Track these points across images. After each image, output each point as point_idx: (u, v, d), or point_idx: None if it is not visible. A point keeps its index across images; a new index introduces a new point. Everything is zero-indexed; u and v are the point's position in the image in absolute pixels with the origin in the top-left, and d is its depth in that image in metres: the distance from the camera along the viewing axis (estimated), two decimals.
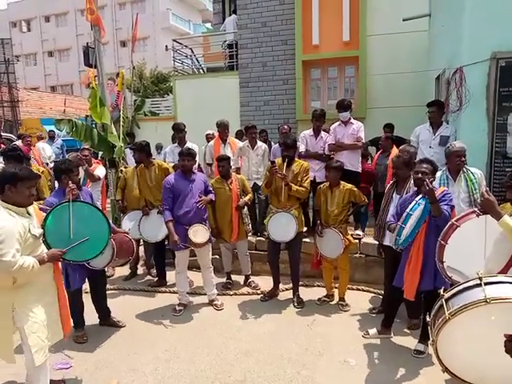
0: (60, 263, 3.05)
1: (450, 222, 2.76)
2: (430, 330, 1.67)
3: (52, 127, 10.19)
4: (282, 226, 4.42)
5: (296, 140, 4.67)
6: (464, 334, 1.58)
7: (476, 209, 2.65)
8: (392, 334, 3.83)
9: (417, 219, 3.25)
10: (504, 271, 2.58)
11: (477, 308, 1.52)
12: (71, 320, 3.20)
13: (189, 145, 6.16)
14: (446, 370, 1.67)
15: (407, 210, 3.26)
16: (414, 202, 3.27)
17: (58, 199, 3.46)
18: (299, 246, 4.66)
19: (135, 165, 5.42)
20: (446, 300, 1.67)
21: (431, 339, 1.65)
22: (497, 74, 4.53)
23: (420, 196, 3.29)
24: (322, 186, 4.60)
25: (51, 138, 10.76)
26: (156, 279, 5.33)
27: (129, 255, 4.10)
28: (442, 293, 1.72)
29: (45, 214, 3.02)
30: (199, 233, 4.29)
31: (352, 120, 5.47)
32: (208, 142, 6.51)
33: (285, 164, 4.35)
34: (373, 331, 3.85)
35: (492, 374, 1.57)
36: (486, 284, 1.59)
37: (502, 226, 2.33)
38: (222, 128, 6.02)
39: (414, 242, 3.38)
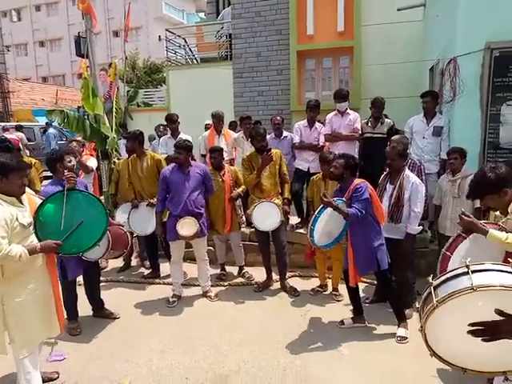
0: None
1: (441, 253, 2.70)
2: (419, 316, 1.71)
3: (43, 118, 10.11)
4: (266, 215, 4.45)
5: (265, 130, 4.69)
6: (452, 321, 1.62)
7: (459, 232, 2.63)
8: (366, 323, 3.91)
9: (341, 226, 3.68)
10: None
11: (464, 295, 1.56)
12: (65, 312, 3.19)
13: (182, 136, 6.12)
14: (434, 354, 1.72)
15: (315, 213, 3.52)
16: (320, 206, 3.53)
17: (54, 188, 3.40)
18: (284, 234, 4.70)
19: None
20: (435, 288, 1.70)
21: (420, 325, 1.69)
22: (491, 64, 4.54)
23: (319, 209, 3.53)
24: (314, 177, 4.61)
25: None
26: (149, 271, 5.32)
27: (123, 248, 4.10)
28: (430, 280, 1.75)
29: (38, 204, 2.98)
30: (186, 226, 4.27)
31: (349, 110, 5.45)
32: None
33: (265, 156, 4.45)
34: (348, 321, 3.92)
35: (480, 357, 1.61)
36: (473, 272, 1.62)
37: (490, 240, 2.36)
38: (217, 119, 5.99)
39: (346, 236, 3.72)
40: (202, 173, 4.46)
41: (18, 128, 12.27)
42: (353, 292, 3.92)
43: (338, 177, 3.65)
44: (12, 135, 11.10)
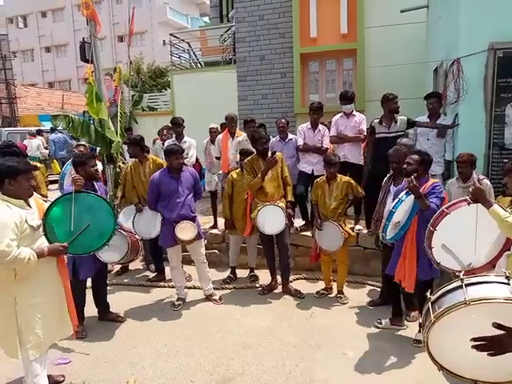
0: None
1: (440, 209, 2.78)
2: (422, 331, 1.72)
3: (49, 123, 10.20)
4: (271, 218, 4.44)
5: (266, 133, 4.69)
6: (454, 335, 1.64)
7: (467, 197, 2.65)
8: (405, 326, 3.84)
9: (407, 213, 3.33)
10: (495, 260, 2.60)
11: (458, 310, 1.58)
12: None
13: (186, 139, 6.16)
14: (441, 368, 1.72)
15: (390, 208, 3.34)
16: (397, 200, 3.33)
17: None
18: (288, 237, 4.69)
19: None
20: (432, 303, 1.73)
21: (422, 340, 1.70)
22: (494, 64, 4.51)
23: (404, 192, 3.33)
24: (319, 179, 4.60)
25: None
26: (155, 274, 5.34)
27: (136, 254, 4.27)
28: (428, 296, 1.78)
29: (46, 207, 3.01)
30: (186, 230, 4.27)
31: (354, 112, 5.44)
32: (211, 136, 6.47)
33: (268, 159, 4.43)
34: (385, 321, 3.86)
35: (482, 368, 1.61)
36: (466, 285, 1.64)
37: (491, 214, 2.35)
38: (230, 121, 6.02)
39: (406, 235, 3.44)
40: (193, 176, 4.48)
41: (39, 132, 12.58)
42: (394, 293, 3.82)
43: (411, 173, 3.32)
44: (35, 139, 11.37)
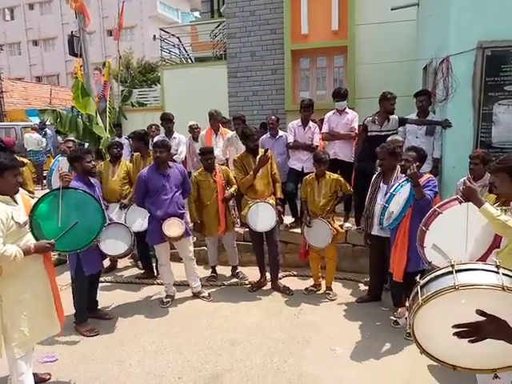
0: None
1: (432, 209, 2.82)
2: (409, 314, 1.73)
3: (37, 118, 10.05)
4: (262, 216, 4.44)
5: (256, 129, 4.70)
6: (439, 319, 1.65)
7: (458, 196, 2.68)
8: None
9: (403, 202, 3.42)
10: (484, 257, 2.62)
11: (446, 294, 1.59)
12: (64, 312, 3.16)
13: (176, 135, 6.12)
14: (423, 351, 1.74)
15: (391, 191, 3.46)
16: (397, 184, 3.47)
17: (78, 184, 3.52)
18: (277, 234, 4.69)
19: (128, 156, 5.34)
20: (421, 287, 1.74)
21: (408, 324, 1.71)
22: (483, 63, 4.55)
23: (404, 178, 3.47)
24: (308, 176, 4.60)
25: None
26: (143, 271, 5.30)
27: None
28: (418, 280, 1.78)
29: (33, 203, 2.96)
30: (173, 226, 4.23)
31: (347, 109, 5.44)
32: (192, 133, 6.38)
33: (258, 158, 4.45)
34: (402, 321, 3.77)
35: (469, 355, 1.64)
36: (457, 271, 1.65)
37: (482, 212, 2.37)
38: (214, 118, 5.96)
39: (399, 227, 3.56)
40: (182, 173, 4.43)
41: (42, 127, 12.26)
42: (399, 290, 3.80)
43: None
44: (35, 134, 11.15)
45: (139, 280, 5.12)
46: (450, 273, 1.66)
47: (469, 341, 1.46)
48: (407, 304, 1.85)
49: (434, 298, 1.62)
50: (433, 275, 1.74)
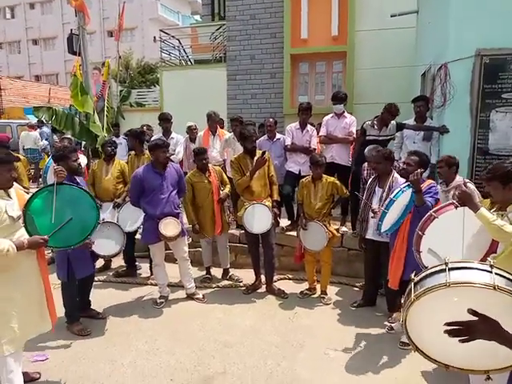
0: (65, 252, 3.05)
1: (428, 213, 2.80)
2: (402, 310, 1.74)
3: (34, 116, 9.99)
4: (258, 218, 4.42)
5: (254, 130, 4.70)
6: (431, 316, 1.65)
7: (454, 201, 2.67)
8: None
9: (402, 208, 3.36)
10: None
11: (438, 291, 1.60)
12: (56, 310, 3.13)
13: (174, 135, 6.11)
14: (416, 349, 1.74)
15: (391, 196, 3.37)
16: (398, 189, 3.37)
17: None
18: (273, 236, 4.67)
19: (126, 156, 5.31)
20: (415, 284, 1.74)
21: (401, 320, 1.71)
22: (481, 70, 4.58)
23: (405, 184, 3.38)
24: (304, 179, 4.59)
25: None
26: (125, 269, 5.28)
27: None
28: (412, 277, 1.78)
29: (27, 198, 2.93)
30: (170, 226, 4.20)
31: (346, 114, 5.45)
32: (191, 134, 6.35)
33: (255, 159, 4.45)
34: (397, 326, 3.75)
35: (458, 352, 1.62)
36: (450, 269, 1.65)
37: (478, 217, 2.37)
38: (212, 120, 5.96)
39: (398, 233, 3.51)
40: (178, 172, 4.41)
41: (40, 126, 12.08)
42: (394, 295, 3.76)
43: (410, 174, 3.32)
44: (34, 132, 11.02)
45: (120, 279, 5.07)
46: (444, 270, 1.66)
47: (460, 340, 1.45)
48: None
49: (426, 294, 1.62)
50: (427, 272, 1.74)
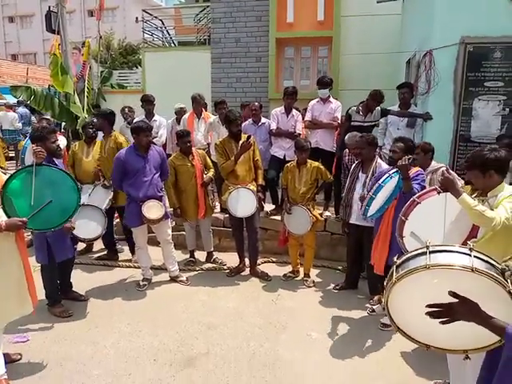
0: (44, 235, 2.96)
1: (411, 199, 2.84)
2: (384, 292, 1.78)
3: (11, 96, 9.65)
4: (242, 201, 4.41)
5: (240, 113, 4.67)
6: (411, 297, 1.70)
7: (437, 186, 2.71)
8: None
9: (389, 193, 3.36)
10: None
11: (418, 273, 1.64)
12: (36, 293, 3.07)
13: (157, 118, 6.01)
14: (398, 329, 1.78)
15: (379, 182, 3.38)
16: (386, 175, 3.38)
17: None
18: (257, 220, 4.68)
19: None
20: (397, 266, 1.78)
21: (383, 301, 1.75)
22: (465, 58, 4.63)
23: (394, 170, 3.38)
24: (289, 164, 4.60)
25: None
26: (105, 252, 5.22)
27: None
28: (395, 260, 1.83)
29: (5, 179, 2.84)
30: (153, 209, 4.17)
31: (331, 99, 5.44)
32: (179, 115, 6.26)
33: (240, 143, 4.43)
34: (378, 308, 3.82)
35: (439, 333, 1.67)
36: (431, 252, 1.70)
37: (460, 203, 2.41)
38: (196, 102, 5.88)
39: (383, 218, 3.53)
40: (160, 155, 4.35)
41: (19, 104, 11.55)
42: (376, 278, 3.78)
43: (397, 161, 3.36)
44: (11, 112, 10.62)
45: (102, 262, 5.02)
46: (425, 253, 1.69)
47: (440, 322, 1.49)
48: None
49: (407, 276, 1.66)
50: (409, 255, 1.78)
